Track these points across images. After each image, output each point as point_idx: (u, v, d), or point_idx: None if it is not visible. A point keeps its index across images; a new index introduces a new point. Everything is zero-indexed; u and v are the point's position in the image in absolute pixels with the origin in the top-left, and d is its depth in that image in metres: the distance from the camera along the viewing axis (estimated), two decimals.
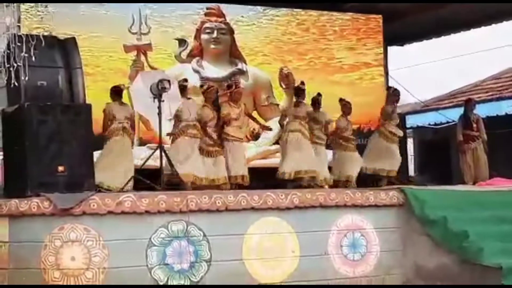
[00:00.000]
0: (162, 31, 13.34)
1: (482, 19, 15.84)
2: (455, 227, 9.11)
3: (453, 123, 13.29)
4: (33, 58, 8.53)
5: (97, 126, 10.13)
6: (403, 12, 14.99)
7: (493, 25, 16.24)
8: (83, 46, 10.65)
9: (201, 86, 11.85)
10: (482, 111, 14.56)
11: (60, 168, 8.35)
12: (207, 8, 13.78)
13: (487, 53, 22.30)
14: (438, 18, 15.23)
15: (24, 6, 11.94)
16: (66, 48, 9.18)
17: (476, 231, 9.03)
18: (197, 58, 13.68)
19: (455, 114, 14.42)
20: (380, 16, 15.17)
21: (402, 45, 17.91)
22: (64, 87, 8.94)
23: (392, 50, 17.13)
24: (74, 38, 9.42)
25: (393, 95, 12.52)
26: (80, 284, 7.89)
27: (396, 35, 16.07)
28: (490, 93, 18.24)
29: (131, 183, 10.23)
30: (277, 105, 14.05)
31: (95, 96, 11.00)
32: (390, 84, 14.91)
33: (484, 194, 10.31)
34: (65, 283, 7.88)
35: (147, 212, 8.24)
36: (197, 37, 13.72)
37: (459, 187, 11.24)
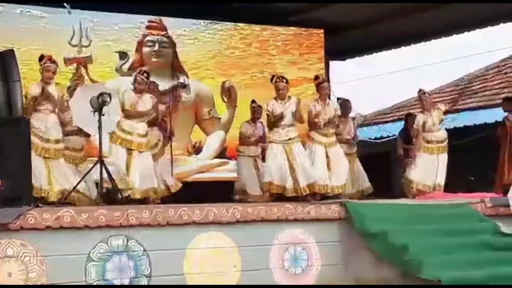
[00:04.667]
0: (103, 44, 13.21)
1: (426, 34, 16.06)
2: (395, 241, 9.15)
3: (394, 137, 13.39)
4: None
5: None
6: (345, 27, 15.11)
7: (436, 40, 16.50)
8: (22, 59, 10.46)
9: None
10: None
11: None
12: (148, 21, 13.71)
13: (430, 67, 22.61)
14: (379, 33, 15.39)
15: None
16: (4, 61, 9.02)
17: (417, 244, 9.08)
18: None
19: (396, 129, 14.54)
20: (322, 30, 15.26)
21: (343, 59, 18.05)
22: (2, 100, 8.80)
23: (336, 64, 17.28)
24: (12, 51, 9.26)
25: None
26: None
27: (337, 49, 16.18)
28: None
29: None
30: (219, 118, 14.05)
31: None
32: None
33: (425, 208, 10.38)
34: None
35: (86, 226, 8.11)
36: (138, 50, 13.63)
37: (400, 201, 11.33)
